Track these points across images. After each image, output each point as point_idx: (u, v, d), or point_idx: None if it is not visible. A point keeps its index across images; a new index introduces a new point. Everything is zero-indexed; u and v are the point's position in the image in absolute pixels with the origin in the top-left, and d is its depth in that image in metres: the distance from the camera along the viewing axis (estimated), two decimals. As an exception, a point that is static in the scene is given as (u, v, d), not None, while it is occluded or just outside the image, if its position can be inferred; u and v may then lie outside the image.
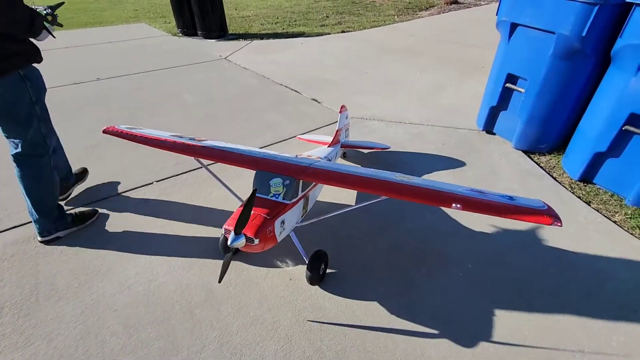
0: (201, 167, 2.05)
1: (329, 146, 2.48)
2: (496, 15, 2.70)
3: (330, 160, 2.29)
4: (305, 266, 1.81)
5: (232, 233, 1.42)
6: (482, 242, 2.05)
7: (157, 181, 2.60)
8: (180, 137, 2.06)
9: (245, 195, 1.95)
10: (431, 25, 8.20)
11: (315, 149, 2.42)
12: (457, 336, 1.53)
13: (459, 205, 1.34)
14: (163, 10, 11.06)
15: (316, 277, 1.74)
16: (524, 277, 1.81)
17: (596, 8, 2.09)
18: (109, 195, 2.44)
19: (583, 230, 2.11)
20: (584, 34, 2.19)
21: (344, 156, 2.91)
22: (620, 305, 1.66)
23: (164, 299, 1.71)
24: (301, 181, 1.69)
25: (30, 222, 2.03)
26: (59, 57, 5.75)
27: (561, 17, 2.24)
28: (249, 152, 1.86)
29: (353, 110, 3.48)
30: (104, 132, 2.04)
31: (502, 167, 2.70)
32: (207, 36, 7.01)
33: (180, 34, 7.35)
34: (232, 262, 1.68)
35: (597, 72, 2.38)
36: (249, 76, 4.83)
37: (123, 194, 2.46)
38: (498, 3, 2.67)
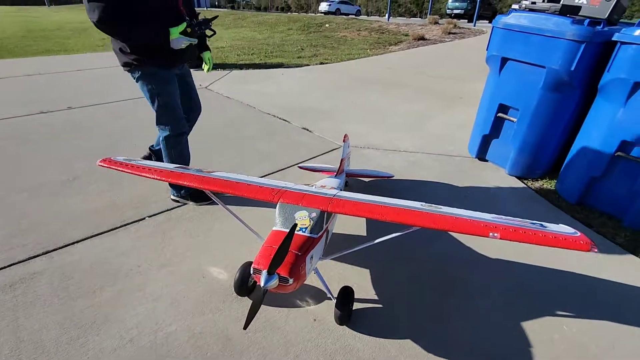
0: None
1: (335, 176, 2.42)
2: (486, 50, 2.86)
3: (341, 191, 2.22)
4: (327, 304, 1.69)
5: (265, 273, 1.29)
6: (502, 269, 2.03)
7: (149, 216, 2.39)
8: (186, 168, 1.92)
9: (260, 230, 1.84)
10: (404, 59, 8.67)
11: (323, 180, 2.34)
12: (501, 373, 1.45)
13: (497, 235, 1.30)
14: (133, 40, 10.90)
15: (347, 316, 1.61)
16: (551, 304, 1.79)
17: (583, 45, 2.27)
18: (93, 233, 2.19)
19: (592, 253, 2.16)
20: (572, 69, 2.35)
21: (346, 185, 2.86)
22: (646, 328, 1.67)
23: (175, 352, 1.49)
24: (326, 213, 1.61)
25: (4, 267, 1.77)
26: (21, 85, 5.40)
27: (550, 53, 2.41)
28: (269, 184, 1.75)
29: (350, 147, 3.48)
30: (100, 164, 1.85)
31: (501, 193, 2.77)
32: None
33: (156, 63, 7.20)
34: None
35: (583, 102, 2.55)
36: (235, 106, 4.75)
37: (112, 232, 2.22)
38: (488, 38, 2.85)
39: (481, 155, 3.23)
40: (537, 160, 2.85)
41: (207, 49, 2.40)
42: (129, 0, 1.79)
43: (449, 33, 11.15)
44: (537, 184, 2.89)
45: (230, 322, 1.63)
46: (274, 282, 1.30)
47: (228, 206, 1.86)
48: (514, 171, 2.96)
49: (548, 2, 2.45)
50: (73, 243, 2.11)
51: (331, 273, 1.94)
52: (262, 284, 1.28)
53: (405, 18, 28.40)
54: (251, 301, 1.33)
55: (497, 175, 3.04)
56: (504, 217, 1.48)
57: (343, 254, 1.73)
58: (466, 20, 18.66)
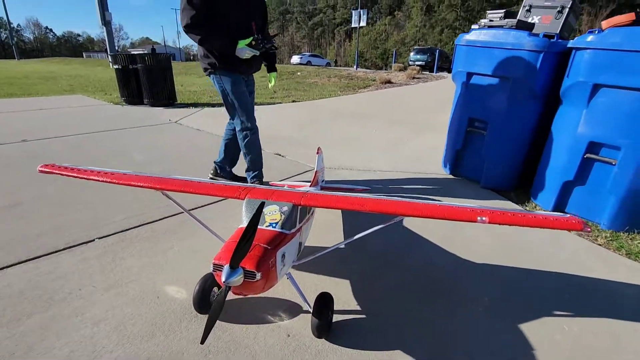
0: (158, 220, 1.71)
1: (310, 186, 2.29)
2: (451, 67, 2.96)
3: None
4: (303, 317, 1.47)
5: (227, 267, 1.09)
6: (489, 273, 1.89)
7: (99, 238, 2.11)
8: (142, 172, 1.73)
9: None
10: (373, 97, 9.05)
11: (295, 184, 2.23)
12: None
13: (484, 219, 1.19)
14: (102, 85, 10.82)
15: (326, 325, 1.39)
16: (544, 306, 1.65)
17: (542, 55, 2.38)
18: (29, 257, 1.88)
19: (576, 255, 2.08)
20: (534, 77, 2.44)
21: None
22: (648, 324, 1.55)
23: (114, 383, 1.20)
24: (299, 210, 1.45)
25: None
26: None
27: (513, 64, 2.51)
28: (235, 183, 1.59)
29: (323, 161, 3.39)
30: (41, 171, 1.62)
31: (480, 204, 2.70)
32: (154, 104, 6.84)
33: (124, 103, 7.07)
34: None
35: (549, 110, 2.63)
36: (204, 137, 4.63)
37: (52, 255, 1.92)
38: (452, 59, 2.96)
39: (455, 170, 3.22)
40: (509, 170, 2.86)
41: (274, 70, 2.88)
42: (214, 14, 2.23)
43: (413, 77, 11.90)
44: (513, 194, 2.87)
45: (186, 345, 1.36)
46: (238, 276, 1.09)
47: (194, 217, 1.66)
48: (488, 183, 2.94)
49: (504, 19, 2.61)
50: (2, 268, 1.79)
51: (307, 283, 1.72)
52: (223, 279, 1.07)
53: (372, 70, 30.41)
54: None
55: (472, 188, 3.00)
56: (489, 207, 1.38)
57: (319, 255, 1.54)
58: (427, 71, 20.19)
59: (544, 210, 2.43)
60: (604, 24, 2.15)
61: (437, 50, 20.47)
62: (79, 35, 77.91)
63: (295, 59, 28.14)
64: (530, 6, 2.84)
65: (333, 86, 11.09)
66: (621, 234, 2.26)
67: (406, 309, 1.60)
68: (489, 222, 1.18)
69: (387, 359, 1.33)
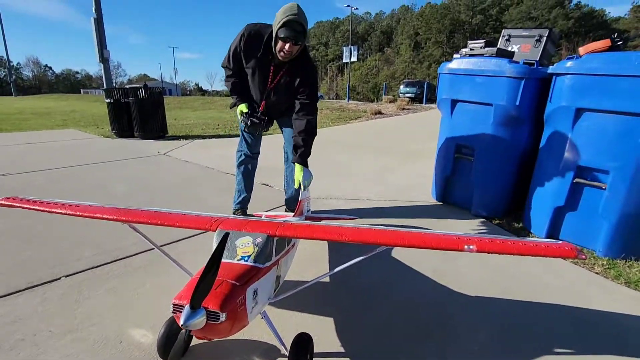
0: (132, 256, 1.60)
1: (293, 216, 2.19)
2: (435, 95, 2.97)
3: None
4: (282, 361, 1.32)
5: (187, 307, 0.96)
6: (483, 307, 1.76)
7: (66, 276, 1.96)
8: (111, 205, 1.64)
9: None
10: (363, 127, 9.15)
11: (278, 214, 2.14)
12: None
13: (472, 247, 1.09)
14: (95, 120, 10.89)
15: None
16: (543, 342, 1.52)
17: (523, 81, 2.39)
18: (-13, 298, 1.73)
19: (573, 284, 1.97)
20: (517, 103, 2.45)
21: None
22: (657, 361, 1.42)
23: None
24: (275, 241, 1.34)
25: None
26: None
27: (495, 90, 2.52)
28: (207, 214, 1.49)
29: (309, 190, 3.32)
30: (1, 203, 1.52)
31: (471, 233, 2.61)
32: (145, 137, 6.82)
33: (115, 136, 7.05)
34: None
35: (534, 136, 2.61)
36: (192, 168, 4.56)
37: (9, 296, 1.77)
38: (437, 88, 2.98)
39: (444, 198, 3.15)
40: (499, 196, 2.80)
41: (300, 163, 2.31)
42: (242, 70, 2.37)
43: (403, 109, 12.16)
44: (504, 221, 2.79)
45: (145, 398, 1.20)
46: (199, 318, 0.96)
47: (164, 252, 1.54)
48: (479, 211, 2.86)
49: (484, 48, 2.66)
50: (-47, 312, 1.63)
51: (286, 322, 1.58)
52: (182, 322, 0.94)
53: (363, 102, 31.22)
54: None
55: (463, 216, 2.92)
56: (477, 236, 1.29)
57: (299, 290, 1.42)
58: (417, 103, 20.75)
59: (537, 237, 2.34)
60: (581, 50, 2.18)
61: (426, 83, 21.17)
62: (77, 72, 79.77)
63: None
64: (510, 36, 2.91)
65: (325, 118, 11.25)
66: (618, 261, 2.16)
67: (394, 349, 1.46)
68: (477, 251, 1.08)
69: (372, 410, 1.18)
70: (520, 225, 2.71)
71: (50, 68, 76.66)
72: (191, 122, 10.46)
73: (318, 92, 2.45)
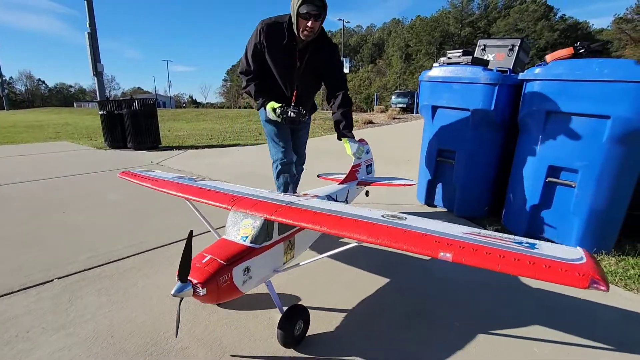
0: (125, 258, 1.77)
1: (340, 183, 2.37)
2: (417, 100, 3.11)
3: (335, 199, 2.09)
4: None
5: (178, 281, 1.15)
6: (465, 298, 1.85)
7: (59, 278, 2.02)
8: (182, 177, 2.04)
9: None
10: (355, 136, 9.28)
11: (323, 187, 2.26)
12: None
13: (448, 256, 0.99)
14: (89, 132, 10.92)
15: (289, 336, 1.38)
16: (517, 328, 1.61)
17: (497, 87, 2.54)
18: (-18, 299, 1.78)
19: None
20: (492, 108, 2.58)
21: (367, 194, 2.69)
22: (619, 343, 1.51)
23: None
24: (275, 223, 1.45)
25: None
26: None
27: (472, 96, 2.66)
28: (229, 189, 1.66)
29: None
30: (120, 176, 2.06)
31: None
32: (138, 148, 6.89)
33: (108, 147, 7.11)
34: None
35: (510, 139, 2.74)
36: (184, 175, 4.63)
37: (2, 297, 1.82)
38: (418, 92, 3.12)
39: (429, 200, 3.26)
40: (480, 197, 2.91)
41: (346, 136, 2.37)
42: (262, 70, 2.32)
43: (394, 118, 12.39)
44: (486, 221, 2.90)
45: (135, 385, 1.27)
46: (187, 290, 1.16)
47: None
48: (462, 211, 2.97)
49: (462, 56, 2.81)
50: (-54, 313, 1.68)
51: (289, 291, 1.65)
52: (172, 292, 1.14)
53: (355, 112, 31.59)
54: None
55: (447, 217, 3.03)
56: (482, 233, 1.18)
57: (297, 266, 1.58)
58: (409, 112, 21.05)
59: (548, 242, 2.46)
60: (548, 57, 2.33)
61: (417, 93, 21.45)
62: (70, 86, 79.74)
63: (282, 104, 29.12)
64: (485, 45, 3.07)
65: (317, 127, 11.41)
66: (590, 255, 2.27)
67: (376, 332, 1.54)
68: (452, 260, 0.99)
69: (350, 390, 1.26)
70: (501, 224, 2.82)
71: (44, 82, 76.60)
72: (184, 133, 10.54)
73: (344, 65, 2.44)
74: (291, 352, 1.43)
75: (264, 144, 7.91)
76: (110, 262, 2.21)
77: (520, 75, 2.44)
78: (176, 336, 1.36)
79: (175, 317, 1.26)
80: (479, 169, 2.84)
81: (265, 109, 2.31)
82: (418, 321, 1.66)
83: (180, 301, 1.23)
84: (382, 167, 5.10)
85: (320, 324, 1.61)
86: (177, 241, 2.50)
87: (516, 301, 1.85)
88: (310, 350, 1.44)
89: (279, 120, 2.27)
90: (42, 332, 1.55)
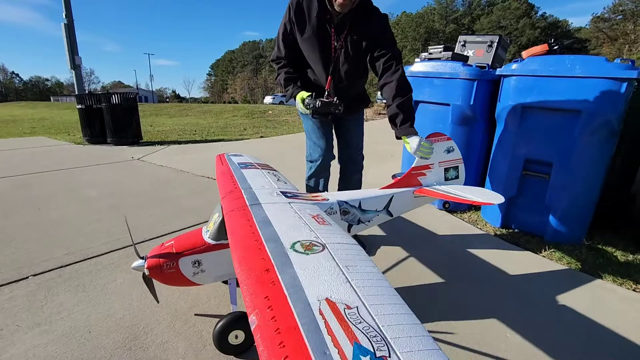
0: (104, 254, 1.73)
1: (387, 187, 1.87)
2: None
3: (358, 208, 1.64)
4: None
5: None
6: (437, 289, 1.90)
7: (34, 275, 1.97)
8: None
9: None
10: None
11: (358, 190, 1.92)
12: None
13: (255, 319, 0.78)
14: (67, 127, 10.61)
15: (222, 340, 1.35)
16: (488, 316, 1.67)
17: (476, 82, 2.59)
18: (-49, 298, 1.73)
19: (520, 266, 2.14)
20: (471, 103, 2.64)
21: (446, 207, 2.46)
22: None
23: None
24: None
25: None
26: None
27: (451, 91, 2.70)
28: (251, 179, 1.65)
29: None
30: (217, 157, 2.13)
31: (434, 224, 2.77)
32: (119, 143, 6.73)
33: (87, 142, 6.92)
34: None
35: (488, 132, 2.81)
36: (166, 171, 4.56)
37: (-24, 295, 1.77)
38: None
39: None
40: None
41: (408, 133, 1.83)
42: (295, 55, 2.00)
43: (379, 113, 12.46)
44: (466, 215, 2.97)
45: (113, 380, 1.26)
46: (137, 264, 1.35)
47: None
48: (443, 205, 3.03)
49: (443, 52, 2.85)
50: None
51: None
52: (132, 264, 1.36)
53: (342, 108, 31.70)
54: None
55: (429, 211, 3.08)
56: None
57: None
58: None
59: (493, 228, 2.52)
60: (524, 53, 2.40)
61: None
62: (47, 79, 76.93)
63: (268, 99, 28.98)
64: (465, 41, 3.12)
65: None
66: (562, 245, 2.36)
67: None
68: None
69: None
70: (479, 217, 2.90)
71: (18, 75, 73.66)
72: (167, 128, 10.35)
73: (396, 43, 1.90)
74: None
75: (248, 139, 7.86)
76: (88, 259, 2.16)
77: (498, 71, 2.50)
78: (157, 302, 1.50)
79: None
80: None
81: (295, 99, 1.95)
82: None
83: (144, 275, 1.36)
84: (366, 160, 5.15)
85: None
86: (157, 237, 2.47)
87: (491, 289, 1.90)
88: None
89: (308, 113, 1.90)
90: (15, 330, 1.52)
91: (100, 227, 2.62)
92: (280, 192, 1.49)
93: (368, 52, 1.90)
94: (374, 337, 0.59)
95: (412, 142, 1.81)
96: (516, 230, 2.62)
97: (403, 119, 1.82)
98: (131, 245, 1.66)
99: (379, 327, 0.62)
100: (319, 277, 0.76)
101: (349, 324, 0.62)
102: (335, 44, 1.86)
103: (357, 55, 1.92)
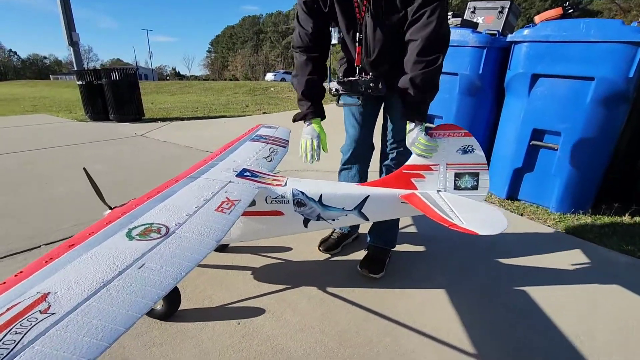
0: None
1: (365, 184, 1.59)
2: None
3: (317, 202, 1.44)
4: (256, 304, 1.45)
5: None
6: (445, 258, 1.92)
7: (46, 244, 2.01)
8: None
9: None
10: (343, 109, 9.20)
11: (338, 182, 1.65)
12: (452, 354, 1.27)
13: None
14: (68, 105, 10.52)
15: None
16: (495, 280, 1.69)
17: (485, 50, 2.52)
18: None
19: (525, 237, 2.15)
20: (480, 72, 2.57)
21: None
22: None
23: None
24: None
25: None
26: None
27: (459, 60, 2.63)
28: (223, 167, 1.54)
29: (287, 164, 3.40)
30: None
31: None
32: (121, 120, 6.69)
33: (89, 119, 6.89)
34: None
35: (496, 103, 2.76)
36: (170, 147, 4.56)
37: (-9, 263, 1.81)
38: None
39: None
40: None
41: (410, 119, 1.41)
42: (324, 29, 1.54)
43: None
44: (471, 187, 2.96)
45: (129, 340, 1.30)
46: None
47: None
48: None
49: (451, 19, 2.76)
50: None
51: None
52: None
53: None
54: None
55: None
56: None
57: None
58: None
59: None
60: (537, 18, 2.31)
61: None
62: (45, 57, 75.72)
63: (270, 76, 28.51)
64: (475, 8, 3.02)
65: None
66: (568, 215, 2.37)
67: (359, 288, 1.60)
68: None
69: (338, 336, 1.32)
70: (485, 189, 2.89)
71: (15, 53, 72.53)
72: (169, 105, 10.25)
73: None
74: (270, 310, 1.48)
75: (251, 114, 7.78)
76: (33, 249, 2.17)
77: (509, 37, 2.42)
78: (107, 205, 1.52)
79: None
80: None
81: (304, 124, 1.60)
82: (400, 274, 1.73)
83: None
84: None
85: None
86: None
87: (492, 258, 1.92)
88: (292, 324, 1.49)
89: (337, 103, 1.58)
90: (31, 295, 1.56)
91: (108, 201, 2.64)
92: (243, 169, 1.51)
93: (405, 6, 1.36)
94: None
95: (410, 132, 1.41)
96: (522, 201, 2.62)
97: (412, 98, 1.36)
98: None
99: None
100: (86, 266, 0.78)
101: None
102: (357, 3, 1.42)
103: (390, 13, 1.39)
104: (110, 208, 1.43)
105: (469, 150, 1.47)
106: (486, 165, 1.47)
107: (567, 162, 2.28)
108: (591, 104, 2.12)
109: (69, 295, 0.67)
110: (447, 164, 1.46)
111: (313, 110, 1.55)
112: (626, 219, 2.32)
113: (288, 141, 2.12)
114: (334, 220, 1.48)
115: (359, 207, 1.46)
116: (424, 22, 1.30)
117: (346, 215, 1.47)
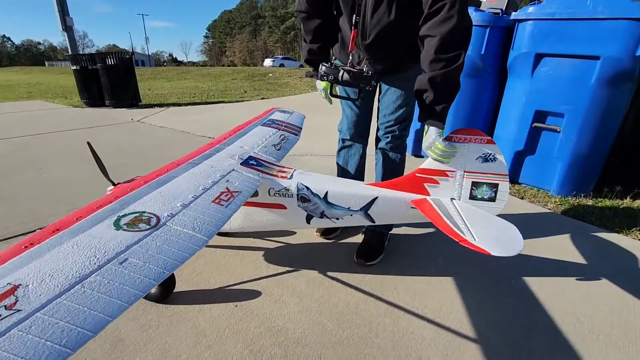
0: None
1: (373, 184, 1.48)
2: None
3: (322, 198, 1.40)
4: (253, 287, 1.43)
5: None
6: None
7: (40, 228, 1.97)
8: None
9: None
10: (342, 95, 9.10)
11: (346, 180, 1.60)
12: (452, 336, 1.26)
13: None
14: (64, 91, 10.39)
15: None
16: (495, 264, 1.68)
17: (488, 29, 2.45)
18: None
19: (527, 219, 2.14)
20: (482, 52, 2.51)
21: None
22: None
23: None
24: None
25: None
26: None
27: (461, 40, 2.56)
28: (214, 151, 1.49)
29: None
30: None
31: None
32: (117, 105, 6.60)
33: (85, 105, 6.79)
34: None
35: (498, 85, 2.70)
36: (167, 132, 4.50)
37: (-14, 247, 1.79)
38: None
39: (417, 152, 3.26)
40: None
41: (430, 117, 1.29)
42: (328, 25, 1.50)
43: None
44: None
45: (125, 322, 1.29)
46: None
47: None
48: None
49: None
50: None
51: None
52: None
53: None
54: None
55: (433, 167, 3.05)
56: None
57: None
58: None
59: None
60: (542, -5, 2.24)
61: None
62: (39, 43, 74.51)
63: (268, 61, 28.05)
64: (478, -14, 2.92)
65: (305, 86, 11.09)
66: (569, 198, 2.34)
67: (358, 273, 1.59)
68: None
69: (336, 318, 1.31)
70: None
71: (9, 39, 71.37)
72: (166, 91, 10.12)
73: None
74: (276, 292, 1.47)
75: (249, 100, 7.68)
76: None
77: (513, 15, 2.35)
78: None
79: None
80: (466, 116, 2.81)
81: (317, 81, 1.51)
82: (407, 260, 1.71)
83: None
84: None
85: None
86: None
87: (497, 240, 1.91)
88: (290, 305, 1.48)
89: (323, 97, 1.57)
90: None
91: (102, 186, 2.61)
92: (249, 156, 1.44)
93: None
94: None
95: (428, 135, 1.30)
96: (523, 184, 2.60)
97: (432, 99, 1.23)
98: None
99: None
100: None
101: None
102: None
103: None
104: (114, 184, 1.42)
105: (491, 158, 1.35)
106: (507, 177, 1.36)
107: (569, 145, 2.25)
108: (596, 84, 2.07)
109: (40, 289, 0.62)
110: (465, 171, 1.36)
111: (316, 73, 1.45)
112: (627, 201, 2.30)
113: (301, 128, 2.03)
114: (338, 219, 1.43)
115: (365, 208, 1.40)
116: (443, 17, 1.16)
117: (351, 215, 1.41)
